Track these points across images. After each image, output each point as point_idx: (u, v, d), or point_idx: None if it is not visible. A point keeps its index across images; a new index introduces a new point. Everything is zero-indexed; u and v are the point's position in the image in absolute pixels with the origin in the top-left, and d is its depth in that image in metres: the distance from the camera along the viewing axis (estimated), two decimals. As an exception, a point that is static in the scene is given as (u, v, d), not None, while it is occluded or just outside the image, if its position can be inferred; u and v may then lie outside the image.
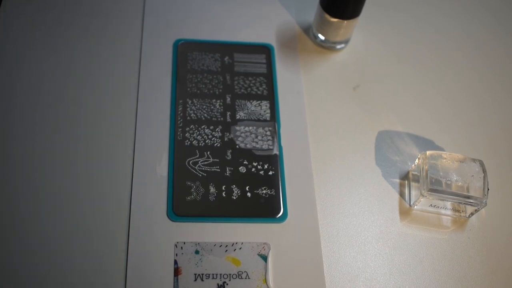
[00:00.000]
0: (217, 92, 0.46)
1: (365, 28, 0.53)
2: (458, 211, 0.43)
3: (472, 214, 0.42)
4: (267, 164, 0.43)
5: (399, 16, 0.55)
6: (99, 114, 0.44)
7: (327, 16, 0.48)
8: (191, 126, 0.44)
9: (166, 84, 0.46)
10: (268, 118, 0.45)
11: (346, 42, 0.51)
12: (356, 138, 0.46)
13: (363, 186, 0.43)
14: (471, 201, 0.40)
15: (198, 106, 0.45)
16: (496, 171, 0.45)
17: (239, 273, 0.38)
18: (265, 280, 0.38)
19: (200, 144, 0.43)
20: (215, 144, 0.43)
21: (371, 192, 0.43)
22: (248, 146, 0.44)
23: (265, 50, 0.50)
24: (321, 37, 0.50)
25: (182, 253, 0.38)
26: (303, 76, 0.49)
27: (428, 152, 0.42)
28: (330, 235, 0.41)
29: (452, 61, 0.53)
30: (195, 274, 0.37)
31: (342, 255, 0.40)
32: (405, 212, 0.43)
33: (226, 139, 0.44)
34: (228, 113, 0.45)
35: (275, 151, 0.44)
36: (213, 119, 0.45)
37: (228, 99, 0.46)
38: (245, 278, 0.37)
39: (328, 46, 0.51)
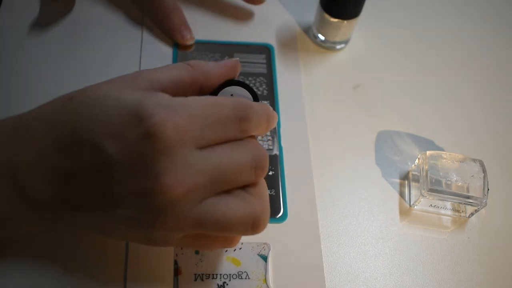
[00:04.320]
0: (217, 92, 0.46)
1: (365, 28, 0.53)
2: (458, 211, 0.43)
3: (472, 214, 0.42)
4: (267, 164, 0.43)
5: (399, 15, 0.55)
6: (99, 114, 0.44)
7: (327, 16, 0.48)
8: (191, 126, 0.44)
9: (166, 84, 0.46)
10: (268, 118, 0.45)
11: (346, 42, 0.51)
12: (356, 138, 0.46)
13: (363, 186, 0.43)
14: (471, 201, 0.40)
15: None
16: (496, 171, 0.45)
17: (239, 273, 0.38)
18: (265, 280, 0.38)
19: (200, 144, 0.43)
20: (215, 144, 0.43)
21: (371, 192, 0.43)
22: (248, 146, 0.44)
23: (265, 50, 0.50)
24: (321, 37, 0.50)
25: (182, 253, 0.38)
26: (303, 76, 0.49)
27: (428, 152, 0.42)
28: (330, 235, 0.41)
29: (452, 61, 0.53)
30: (195, 274, 0.37)
31: (342, 255, 0.40)
32: (405, 212, 0.43)
33: (226, 139, 0.44)
34: (228, 113, 0.45)
35: (275, 151, 0.44)
36: (213, 119, 0.45)
37: (228, 99, 0.46)
38: (245, 278, 0.37)
39: (328, 46, 0.51)
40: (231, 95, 0.34)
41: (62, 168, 0.29)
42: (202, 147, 0.29)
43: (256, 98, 0.34)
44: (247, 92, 0.34)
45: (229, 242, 0.33)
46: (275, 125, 0.33)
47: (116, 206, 0.29)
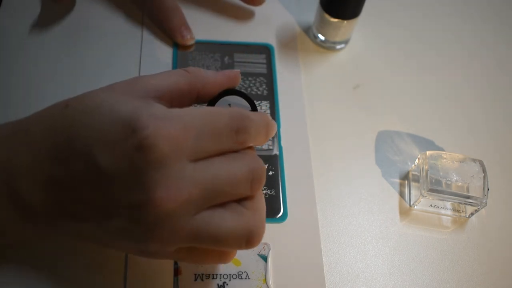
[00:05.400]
0: (217, 92, 0.46)
1: (365, 28, 0.53)
2: (458, 211, 0.43)
3: (472, 214, 0.42)
4: (267, 164, 0.43)
5: (399, 15, 0.55)
6: (99, 114, 0.44)
7: (327, 16, 0.48)
8: (191, 126, 0.44)
9: (166, 84, 0.46)
10: (268, 118, 0.45)
11: (346, 42, 0.51)
12: (356, 138, 0.46)
13: (363, 186, 0.43)
14: (471, 201, 0.40)
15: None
16: (496, 171, 0.45)
17: (239, 273, 0.38)
18: (265, 280, 0.38)
19: (200, 144, 0.43)
20: (215, 144, 0.43)
21: (371, 192, 0.43)
22: (248, 146, 0.44)
23: (265, 50, 0.50)
24: (321, 37, 0.50)
25: (182, 253, 0.38)
26: (303, 76, 0.49)
27: (428, 152, 0.42)
28: (330, 235, 0.41)
29: (452, 61, 0.53)
30: (195, 274, 0.37)
31: (342, 255, 0.40)
32: (405, 212, 0.43)
33: (226, 139, 0.44)
34: (228, 113, 0.45)
35: (275, 151, 0.44)
36: (213, 119, 0.45)
37: (228, 99, 0.46)
38: (245, 278, 0.37)
39: (328, 46, 0.51)
40: (229, 104, 0.33)
41: (56, 175, 0.29)
42: (197, 159, 0.28)
43: (254, 108, 0.34)
44: (246, 102, 0.34)
45: (224, 257, 0.32)
46: (274, 134, 0.32)
47: (109, 217, 0.29)
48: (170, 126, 0.27)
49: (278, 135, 0.45)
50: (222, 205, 0.29)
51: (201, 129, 0.28)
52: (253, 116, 0.30)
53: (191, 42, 0.48)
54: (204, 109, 0.30)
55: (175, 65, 0.47)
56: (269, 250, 0.39)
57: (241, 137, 0.30)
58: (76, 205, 0.29)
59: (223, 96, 0.34)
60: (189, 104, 0.33)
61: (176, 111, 0.29)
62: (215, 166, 0.29)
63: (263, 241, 0.39)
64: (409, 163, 0.45)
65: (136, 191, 0.27)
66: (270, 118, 0.32)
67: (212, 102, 0.33)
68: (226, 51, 0.49)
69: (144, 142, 0.26)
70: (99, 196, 0.28)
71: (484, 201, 0.40)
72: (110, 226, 0.29)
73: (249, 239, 0.29)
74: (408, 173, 0.45)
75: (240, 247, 0.30)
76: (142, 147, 0.27)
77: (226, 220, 0.29)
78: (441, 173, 0.41)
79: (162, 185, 0.27)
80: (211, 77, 0.33)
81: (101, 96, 0.30)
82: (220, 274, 0.37)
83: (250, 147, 0.31)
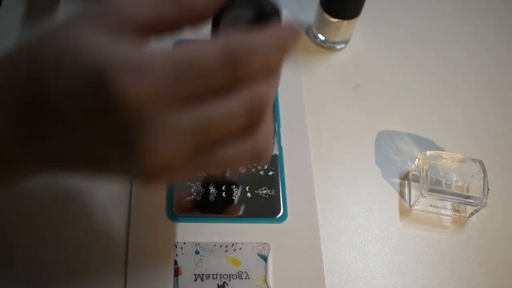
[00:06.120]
0: (217, 92, 0.46)
1: (365, 28, 0.53)
2: (458, 211, 0.43)
3: (472, 214, 0.42)
4: (267, 164, 0.43)
5: (399, 15, 0.55)
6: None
7: (327, 16, 0.48)
8: (191, 126, 0.44)
9: (166, 84, 0.46)
10: (268, 118, 0.45)
11: (346, 42, 0.51)
12: (356, 138, 0.46)
13: (363, 186, 0.43)
14: (471, 201, 0.40)
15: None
16: (496, 171, 0.45)
17: (239, 273, 0.38)
18: (265, 280, 0.38)
19: (200, 144, 0.43)
20: (215, 144, 0.43)
21: (371, 192, 0.43)
22: (248, 146, 0.44)
23: (265, 50, 0.50)
24: (321, 37, 0.50)
25: (182, 253, 0.38)
26: (303, 76, 0.49)
27: (428, 152, 0.42)
28: (330, 235, 0.41)
29: (452, 61, 0.53)
30: (195, 274, 0.37)
31: (342, 255, 0.40)
32: (405, 212, 0.43)
33: (226, 139, 0.44)
34: (228, 113, 0.45)
35: (275, 151, 0.44)
36: (213, 119, 0.45)
37: (228, 99, 0.46)
38: (245, 278, 0.37)
39: (328, 46, 0.51)
40: (235, 20, 0.28)
41: (29, 129, 0.26)
42: (184, 105, 0.25)
43: (264, 15, 0.27)
44: (255, 13, 0.27)
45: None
46: (294, 47, 0.26)
47: (102, 163, 0.26)
48: (143, 78, 0.23)
49: (278, 135, 0.45)
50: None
51: (183, 74, 0.24)
52: (258, 41, 0.25)
53: None
54: (186, 48, 0.25)
55: (175, 65, 0.47)
56: (269, 250, 0.39)
57: (242, 72, 0.25)
58: (61, 150, 0.26)
59: (228, 11, 0.27)
60: (175, 33, 0.28)
61: (151, 55, 0.24)
62: (205, 108, 0.25)
63: (263, 241, 0.39)
64: (409, 163, 0.45)
65: (120, 151, 0.24)
66: (286, 30, 0.25)
67: (216, 18, 0.28)
68: (226, 51, 0.49)
69: (115, 102, 0.23)
70: (80, 146, 0.25)
71: (484, 201, 0.40)
72: (108, 160, 0.26)
73: (256, 159, 0.27)
74: (408, 173, 0.45)
75: (250, 165, 0.27)
76: (113, 108, 0.23)
77: (228, 151, 0.26)
78: (441, 173, 0.41)
79: (145, 145, 0.24)
80: (201, 6, 0.27)
81: (66, 37, 0.25)
82: (220, 274, 0.37)
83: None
